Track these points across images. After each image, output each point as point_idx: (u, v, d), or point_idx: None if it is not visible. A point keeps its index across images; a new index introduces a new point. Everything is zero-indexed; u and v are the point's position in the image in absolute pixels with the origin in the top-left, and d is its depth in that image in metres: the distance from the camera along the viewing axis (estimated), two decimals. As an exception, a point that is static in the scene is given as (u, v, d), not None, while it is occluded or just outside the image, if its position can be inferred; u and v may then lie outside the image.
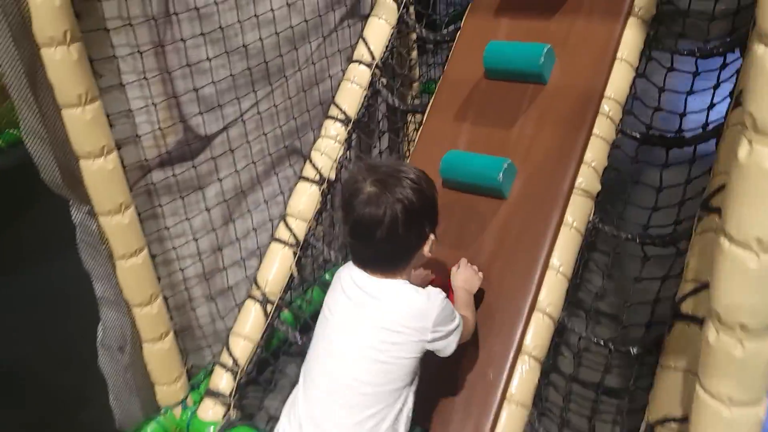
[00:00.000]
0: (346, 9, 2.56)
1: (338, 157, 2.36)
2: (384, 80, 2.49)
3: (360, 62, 2.43)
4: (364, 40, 2.45)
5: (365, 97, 2.42)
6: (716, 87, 1.97)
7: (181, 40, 1.93)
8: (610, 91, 1.96)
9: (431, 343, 1.51)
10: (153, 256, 1.96)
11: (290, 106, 2.40)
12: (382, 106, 2.63)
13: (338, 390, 1.49)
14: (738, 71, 1.89)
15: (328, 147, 2.35)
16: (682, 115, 2.03)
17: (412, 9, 2.59)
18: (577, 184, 1.89)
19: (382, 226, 1.44)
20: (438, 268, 1.80)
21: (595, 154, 1.91)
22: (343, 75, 2.48)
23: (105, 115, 1.71)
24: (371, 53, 2.43)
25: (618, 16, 2.02)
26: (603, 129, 1.93)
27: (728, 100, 1.89)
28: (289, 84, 2.36)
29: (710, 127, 1.92)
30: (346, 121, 2.38)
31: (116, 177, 1.76)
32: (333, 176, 2.35)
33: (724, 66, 2.00)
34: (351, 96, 2.41)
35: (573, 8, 2.08)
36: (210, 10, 2.01)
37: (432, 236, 1.56)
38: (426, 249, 1.55)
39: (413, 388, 1.54)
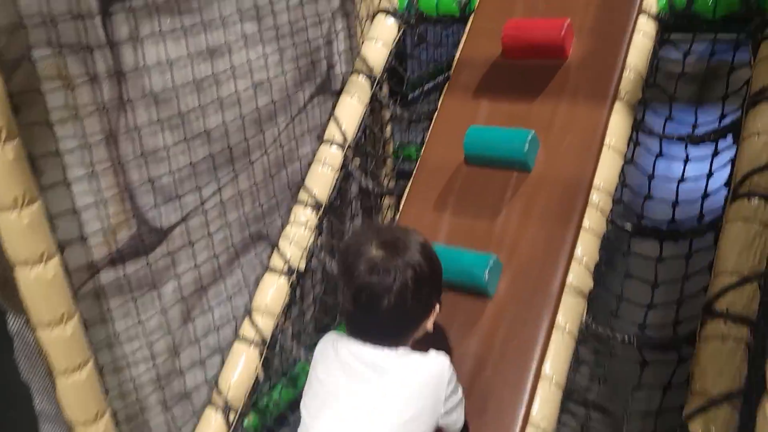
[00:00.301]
0: (315, 86, 2.44)
1: (308, 245, 2.20)
2: (357, 161, 2.35)
3: (331, 143, 2.30)
4: (335, 119, 2.33)
5: (337, 180, 2.28)
6: (709, 175, 1.87)
7: (136, 128, 1.76)
8: (598, 181, 1.84)
9: (445, 416, 1.39)
10: (100, 366, 1.75)
11: (256, 190, 2.23)
12: (355, 188, 2.48)
13: None
14: (732, 160, 1.79)
15: (298, 235, 2.19)
16: (675, 204, 1.91)
17: (385, 87, 2.48)
18: (567, 282, 1.74)
19: (390, 294, 1.32)
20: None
21: (586, 248, 1.78)
22: (314, 156, 2.34)
23: (46, 217, 1.53)
24: (343, 133, 2.30)
25: (604, 101, 1.92)
26: (593, 221, 1.80)
27: (724, 190, 1.78)
28: (255, 167, 2.20)
29: (706, 219, 1.80)
30: (316, 207, 2.22)
31: (57, 285, 1.55)
32: (303, 266, 2.18)
33: (716, 153, 1.91)
34: (322, 179, 2.26)
35: (556, 91, 1.98)
36: (168, 94, 1.86)
37: (437, 307, 1.45)
38: (431, 321, 1.44)
39: None
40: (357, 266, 1.34)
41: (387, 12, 2.45)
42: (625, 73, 1.95)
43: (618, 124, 1.90)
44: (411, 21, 2.45)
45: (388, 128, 2.76)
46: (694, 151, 1.94)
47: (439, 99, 2.21)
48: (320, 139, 2.37)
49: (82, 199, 1.68)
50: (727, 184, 1.79)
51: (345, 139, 2.30)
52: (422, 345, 1.47)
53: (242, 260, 2.21)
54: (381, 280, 1.32)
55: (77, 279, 1.70)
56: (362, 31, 2.59)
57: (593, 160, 1.86)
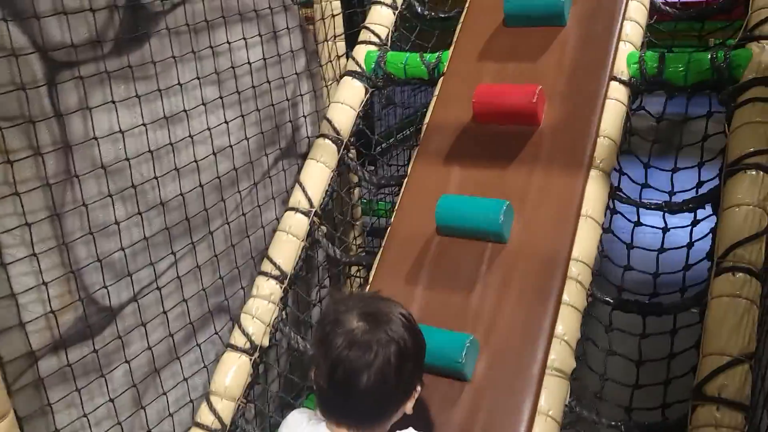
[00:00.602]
0: (280, 150, 2.35)
1: (272, 320, 2.06)
2: (324, 229, 2.25)
3: (296, 210, 2.19)
4: (300, 185, 2.22)
5: (302, 249, 2.16)
6: (690, 246, 1.81)
7: (83, 204, 1.63)
8: (577, 252, 1.76)
9: None
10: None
11: (216, 261, 2.10)
12: (321, 257, 2.37)
13: None
14: (713, 230, 1.73)
15: (261, 308, 2.05)
16: (655, 275, 1.84)
17: (353, 151, 2.40)
18: (549, 362, 1.64)
19: (369, 371, 1.20)
20: None
21: (567, 325, 1.68)
22: (278, 223, 2.22)
23: (-23, 306, 1.38)
24: (309, 199, 2.20)
25: (579, 168, 1.86)
26: (573, 295, 1.72)
27: (706, 262, 1.72)
28: (215, 237, 2.08)
29: (689, 293, 1.73)
30: (281, 278, 2.10)
31: (-12, 381, 1.39)
32: (266, 343, 2.04)
33: (695, 223, 1.85)
34: (286, 248, 2.14)
35: (529, 159, 1.92)
36: (121, 165, 1.74)
37: (419, 388, 1.33)
38: (411, 404, 1.32)
39: None
40: (335, 338, 1.22)
41: (354, 74, 2.38)
42: (600, 140, 1.89)
43: (594, 193, 1.83)
44: (378, 83, 2.39)
45: (356, 192, 2.67)
46: (673, 220, 1.88)
47: (407, 163, 2.14)
48: (284, 205, 2.27)
49: (20, 281, 1.53)
50: (709, 255, 1.72)
51: (311, 205, 2.19)
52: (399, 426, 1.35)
53: (200, 336, 2.06)
54: (361, 355, 1.20)
55: (13, 372, 1.53)
56: (329, 94, 2.52)
57: (571, 231, 1.78)
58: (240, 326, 2.03)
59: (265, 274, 2.10)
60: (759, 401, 1.49)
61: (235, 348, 2.01)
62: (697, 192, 1.86)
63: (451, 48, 2.28)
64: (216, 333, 2.08)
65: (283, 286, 2.10)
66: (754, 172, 1.69)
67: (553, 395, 1.61)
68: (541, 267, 1.75)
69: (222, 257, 2.12)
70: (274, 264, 2.11)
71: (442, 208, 1.84)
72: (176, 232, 1.93)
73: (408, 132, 3.13)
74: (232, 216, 2.13)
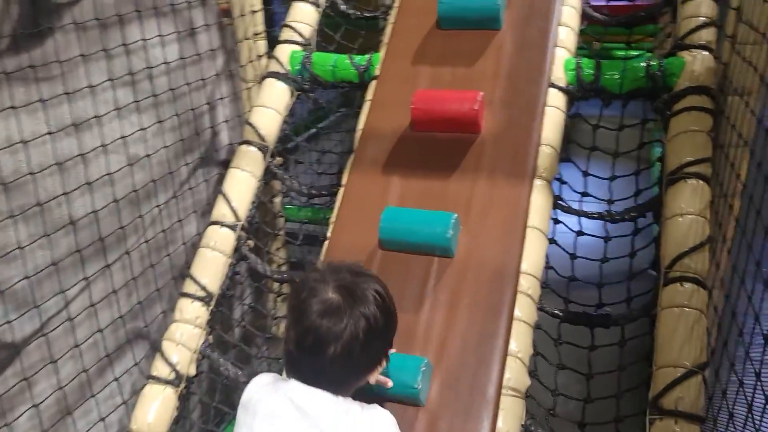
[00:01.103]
0: (198, 158, 2.16)
1: (199, 346, 1.88)
2: (251, 243, 2.08)
3: (221, 224, 2.01)
4: (224, 197, 2.04)
5: (230, 266, 1.99)
6: (632, 255, 1.81)
7: (-21, 228, 1.40)
8: (526, 265, 1.70)
9: None
10: None
11: (133, 282, 1.90)
12: (248, 274, 2.20)
13: None
14: (655, 239, 1.74)
15: (186, 334, 1.87)
16: (600, 285, 1.83)
17: (279, 157, 2.24)
18: (504, 381, 1.57)
19: (338, 342, 1.22)
20: None
21: (520, 341, 1.62)
22: (199, 237, 2.04)
23: None
24: (234, 212, 2.03)
25: (523, 178, 1.81)
26: (524, 310, 1.66)
27: (651, 272, 1.72)
28: (131, 255, 1.87)
29: (635, 303, 1.73)
30: (206, 299, 1.92)
31: None
32: (193, 371, 1.86)
33: (636, 232, 1.86)
34: (212, 266, 1.96)
35: (472, 168, 1.85)
36: (23, 180, 1.51)
37: (384, 363, 1.36)
38: (377, 374, 1.36)
39: None
40: (308, 306, 1.24)
41: (277, 75, 2.23)
42: (542, 148, 1.86)
43: (539, 203, 1.79)
44: (304, 85, 2.25)
45: (278, 200, 2.51)
46: (615, 229, 1.88)
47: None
48: (204, 217, 2.09)
49: None
50: (653, 265, 1.72)
51: (237, 219, 2.02)
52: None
53: (117, 368, 1.86)
54: (331, 326, 1.22)
55: None
56: (249, 96, 2.35)
57: (518, 243, 1.73)
58: (162, 355, 1.84)
59: (188, 295, 1.91)
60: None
61: (157, 380, 1.81)
62: (635, 201, 1.86)
63: (383, 50, 2.18)
64: (136, 364, 1.88)
65: (210, 308, 1.92)
66: (694, 181, 1.70)
67: (510, 416, 1.55)
68: (490, 281, 1.69)
69: (139, 278, 1.91)
70: (199, 284, 1.92)
71: (387, 222, 1.73)
72: (87, 253, 1.72)
73: (320, 128, 2.97)
74: (148, 232, 1.93)
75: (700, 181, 1.70)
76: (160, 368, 1.83)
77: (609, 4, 2.38)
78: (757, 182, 1.42)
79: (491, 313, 1.65)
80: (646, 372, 1.58)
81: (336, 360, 1.23)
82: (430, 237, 1.70)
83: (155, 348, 1.89)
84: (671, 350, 1.52)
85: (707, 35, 1.90)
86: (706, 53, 1.86)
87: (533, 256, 1.73)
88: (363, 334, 1.23)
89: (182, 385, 1.83)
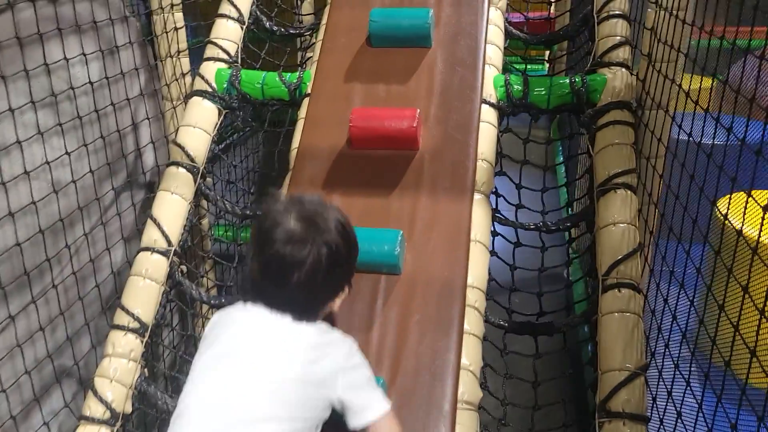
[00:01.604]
0: (124, 181, 2.05)
1: (134, 381, 1.78)
2: (184, 269, 2.00)
3: (152, 250, 1.91)
4: (154, 221, 1.95)
5: (164, 294, 1.90)
6: (569, 264, 1.88)
7: None
8: (471, 278, 1.73)
9: (344, 393, 1.27)
10: None
11: (58, 317, 1.77)
12: (181, 300, 2.11)
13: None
14: (590, 247, 1.82)
15: (120, 369, 1.76)
16: (539, 294, 1.88)
17: (209, 178, 2.17)
18: (459, 395, 1.59)
19: (301, 269, 1.26)
20: None
21: (471, 355, 1.64)
22: (129, 264, 1.93)
23: None
24: (166, 237, 1.94)
25: (464, 193, 1.84)
26: (473, 323, 1.68)
27: (590, 279, 1.79)
28: (55, 288, 1.74)
29: (574, 309, 1.79)
30: (140, 331, 1.82)
31: None
32: (129, 409, 1.75)
33: (571, 241, 1.93)
34: (144, 295, 1.87)
35: (412, 185, 1.87)
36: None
37: (347, 289, 1.42)
38: (338, 302, 1.40)
39: None
40: (271, 236, 1.28)
41: (204, 94, 2.16)
42: (479, 163, 1.90)
43: (480, 217, 1.83)
44: (233, 104, 2.19)
45: (205, 222, 2.43)
46: (550, 240, 1.95)
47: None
48: (131, 243, 1.98)
49: None
50: (590, 272, 1.80)
51: (169, 244, 1.93)
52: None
53: (44, 410, 1.72)
54: (294, 253, 1.26)
55: None
56: (174, 116, 2.26)
57: (463, 257, 1.75)
58: (95, 393, 1.72)
59: (120, 327, 1.81)
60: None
61: (91, 420, 1.70)
62: (567, 211, 1.93)
63: (313, 67, 2.16)
64: (66, 405, 1.74)
65: (144, 340, 1.82)
66: (623, 192, 1.79)
67: (465, 429, 1.56)
68: (439, 297, 1.70)
69: (63, 310, 1.79)
70: (131, 315, 1.82)
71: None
72: (7, 289, 1.58)
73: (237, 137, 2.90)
74: (72, 262, 1.81)
75: (628, 191, 1.79)
76: (93, 407, 1.71)
77: (530, 22, 2.47)
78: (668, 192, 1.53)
79: (442, 328, 1.66)
80: (590, 377, 1.65)
81: (300, 287, 1.26)
82: (378, 255, 1.69)
83: (85, 386, 1.77)
84: (615, 354, 1.59)
85: (623, 53, 2.01)
86: (624, 70, 1.98)
87: (478, 269, 1.76)
88: (326, 261, 1.27)
89: (118, 424, 1.72)
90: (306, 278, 1.26)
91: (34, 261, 1.67)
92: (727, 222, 1.31)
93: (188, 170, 2.04)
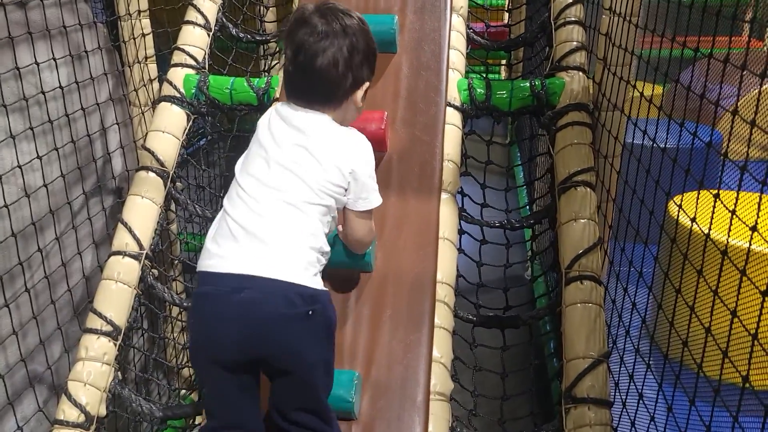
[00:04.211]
0: (94, 184, 2.05)
1: (108, 383, 1.78)
2: (155, 272, 2.01)
3: (123, 254, 1.92)
4: (125, 225, 1.96)
5: (136, 297, 1.91)
6: (533, 259, 1.95)
7: None
8: (441, 275, 1.79)
9: (357, 173, 1.51)
10: None
11: (29, 322, 1.76)
12: (153, 304, 2.11)
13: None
14: (553, 243, 1.89)
15: (94, 372, 1.76)
16: (505, 289, 1.95)
17: (179, 183, 2.18)
18: (432, 387, 1.64)
19: (324, 55, 1.44)
20: None
21: (442, 348, 1.70)
22: (100, 269, 1.94)
23: None
24: (137, 241, 1.95)
25: (431, 192, 1.90)
26: (443, 318, 1.74)
27: (553, 273, 1.87)
28: (22, 294, 1.74)
29: (538, 303, 1.87)
30: (113, 334, 1.82)
31: None
32: (103, 412, 1.76)
33: (534, 237, 2.01)
34: (117, 298, 1.86)
35: (382, 186, 1.83)
36: None
37: (367, 84, 1.55)
38: (359, 96, 1.54)
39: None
40: (298, 29, 1.46)
41: (172, 99, 2.18)
42: (445, 164, 1.96)
43: (447, 215, 1.89)
44: (201, 109, 2.21)
45: (174, 226, 2.44)
46: (515, 236, 2.02)
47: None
48: (101, 247, 1.99)
49: None
50: (552, 266, 1.87)
51: (140, 247, 1.94)
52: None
53: (18, 415, 1.71)
54: (318, 40, 1.44)
55: None
56: (141, 121, 2.27)
57: (432, 254, 1.81)
58: (69, 397, 1.72)
59: (93, 331, 1.81)
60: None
61: (65, 424, 1.69)
62: (531, 209, 2.01)
63: (281, 73, 2.19)
64: (40, 409, 1.74)
65: (117, 343, 1.82)
66: (582, 189, 1.87)
67: (439, 420, 1.62)
68: (410, 293, 1.75)
69: (34, 317, 1.78)
70: (104, 318, 1.82)
71: (305, 241, 1.75)
72: (-20, 294, 1.58)
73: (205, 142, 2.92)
74: (41, 267, 1.81)
75: (587, 189, 1.88)
76: (67, 411, 1.71)
77: (489, 30, 2.56)
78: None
79: (413, 322, 1.72)
80: (554, 367, 1.72)
81: (324, 71, 1.44)
82: (350, 254, 1.74)
83: (57, 391, 1.77)
84: (579, 343, 1.66)
85: (580, 58, 2.10)
86: (581, 74, 2.07)
87: (446, 265, 1.82)
88: (347, 49, 1.45)
89: (92, 427, 1.72)
90: (328, 64, 1.44)
91: (5, 265, 1.66)
92: (678, 219, 1.40)
93: (158, 175, 2.05)
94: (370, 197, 1.56)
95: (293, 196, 1.43)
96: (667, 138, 1.56)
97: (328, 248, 1.50)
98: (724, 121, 1.33)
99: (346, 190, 1.52)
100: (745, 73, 1.18)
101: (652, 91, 1.99)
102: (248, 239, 1.39)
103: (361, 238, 1.62)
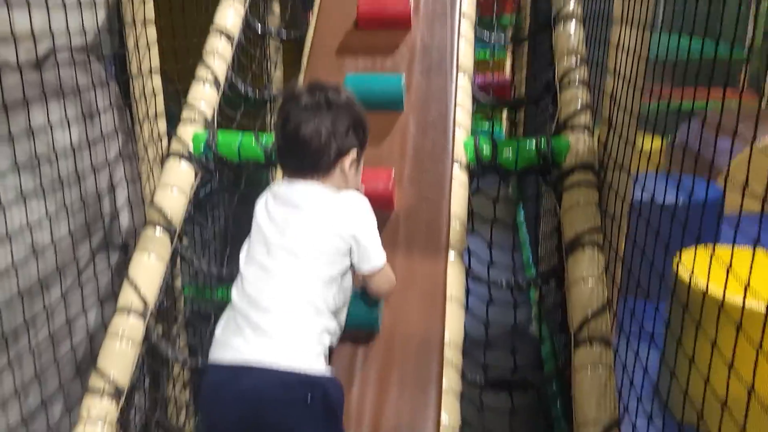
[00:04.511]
0: (101, 240, 2.05)
1: (109, 447, 1.74)
2: (160, 330, 1.99)
3: (128, 311, 1.91)
4: (131, 283, 1.95)
5: (139, 356, 1.88)
6: (540, 320, 1.93)
7: None
8: (449, 336, 1.77)
9: (360, 250, 1.55)
10: None
11: (28, 382, 1.74)
12: (157, 363, 2.09)
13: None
14: (561, 304, 1.88)
15: (95, 435, 1.73)
16: (513, 350, 1.93)
17: (185, 240, 2.18)
18: (439, 453, 1.61)
19: (309, 124, 1.52)
20: None
21: (451, 413, 1.67)
22: (104, 327, 1.92)
23: None
24: (142, 299, 1.93)
25: (439, 252, 1.90)
26: (451, 381, 1.72)
27: (562, 334, 1.85)
28: (24, 353, 1.72)
29: (546, 364, 1.84)
30: (116, 395, 1.79)
31: None
32: (105, 477, 1.72)
33: (542, 298, 1.99)
34: (121, 358, 1.84)
35: (389, 245, 1.88)
36: None
37: (354, 153, 1.60)
38: (347, 164, 1.58)
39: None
40: (287, 103, 1.57)
41: (181, 156, 2.20)
42: (452, 222, 1.97)
43: (454, 275, 1.88)
44: (210, 166, 2.23)
45: (178, 282, 2.43)
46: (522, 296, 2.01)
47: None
48: (106, 305, 1.97)
49: None
50: (561, 327, 1.86)
51: (146, 306, 1.93)
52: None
53: (13, 481, 1.67)
54: (302, 111, 1.53)
55: None
56: (150, 177, 2.28)
57: (440, 315, 1.80)
58: (69, 460, 1.69)
59: (95, 391, 1.78)
60: None
61: (64, 488, 1.66)
62: (537, 269, 2.00)
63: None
64: (38, 474, 1.70)
65: (120, 405, 1.79)
66: (590, 249, 1.87)
67: (447, 487, 1.58)
68: (417, 354, 1.73)
69: (36, 377, 1.76)
70: (107, 378, 1.80)
71: (312, 301, 1.74)
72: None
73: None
74: (45, 325, 1.79)
75: (595, 249, 1.88)
76: (66, 475, 1.68)
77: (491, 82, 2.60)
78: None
79: (420, 386, 1.69)
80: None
81: (310, 140, 1.51)
82: (357, 314, 1.72)
83: (58, 453, 1.73)
84: (589, 409, 1.63)
85: (585, 118, 2.13)
86: (587, 134, 2.09)
87: (454, 326, 1.81)
88: (330, 122, 1.53)
89: (93, 494, 1.68)
90: (314, 132, 1.51)
91: (10, 324, 1.65)
92: (683, 276, 1.40)
93: (165, 231, 2.06)
94: (375, 257, 1.60)
95: (296, 278, 1.49)
96: (666, 192, 1.56)
97: (336, 321, 1.55)
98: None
99: (350, 252, 1.56)
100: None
101: (651, 144, 2.00)
102: (253, 333, 1.46)
103: (379, 289, 1.66)
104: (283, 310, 1.47)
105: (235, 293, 1.54)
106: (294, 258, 1.50)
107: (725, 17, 1.31)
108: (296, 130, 1.52)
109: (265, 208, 1.59)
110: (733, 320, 1.14)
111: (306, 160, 1.55)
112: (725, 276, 1.21)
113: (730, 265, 1.17)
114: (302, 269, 1.49)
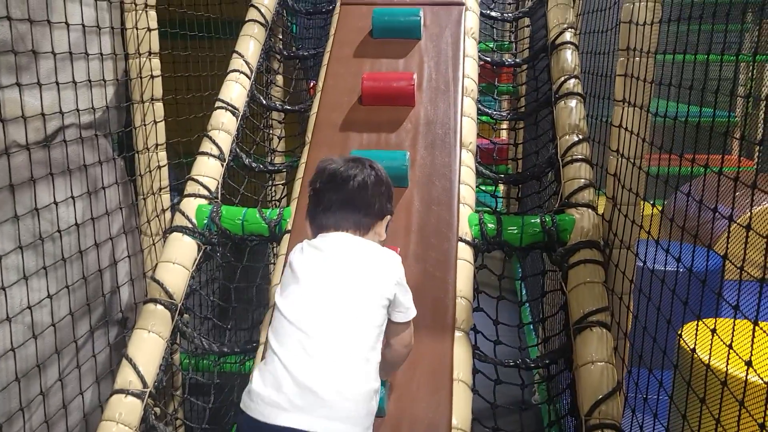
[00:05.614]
0: (100, 316, 2.02)
1: None
2: (158, 411, 1.93)
3: (126, 392, 1.85)
4: (130, 361, 1.90)
5: (137, 440, 1.82)
6: (551, 401, 1.89)
7: None
8: (456, 420, 1.72)
9: (396, 304, 1.54)
10: None
11: (24, 469, 1.67)
12: None
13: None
14: (570, 386, 1.84)
15: None
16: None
17: (186, 314, 2.15)
18: None
19: (354, 180, 1.55)
20: None
21: (459, 502, 1.61)
22: (101, 407, 1.86)
23: None
24: (141, 378, 1.88)
25: (445, 332, 1.87)
26: (459, 468, 1.67)
27: (571, 418, 1.80)
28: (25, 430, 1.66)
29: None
30: (111, 481, 1.73)
31: None
32: None
33: (550, 378, 1.95)
34: (118, 442, 1.78)
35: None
36: None
37: (389, 218, 1.64)
38: (384, 225, 1.61)
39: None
40: (325, 169, 1.59)
41: (184, 230, 2.18)
42: (458, 300, 1.94)
43: (461, 355, 1.85)
44: (213, 239, 2.22)
45: (176, 357, 2.37)
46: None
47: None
48: (103, 383, 1.92)
49: None
50: (571, 411, 1.81)
51: (144, 386, 1.88)
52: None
53: None
54: (348, 169, 1.57)
55: None
56: (151, 252, 2.27)
57: (447, 398, 1.76)
58: None
59: (90, 478, 1.72)
60: None
61: None
62: (544, 347, 1.97)
63: (293, 205, 2.23)
64: None
65: (116, 491, 1.73)
66: (598, 330, 1.84)
67: None
68: (423, 443, 1.68)
69: (30, 462, 1.70)
70: (103, 464, 1.73)
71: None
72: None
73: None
74: (41, 407, 1.74)
75: (603, 329, 1.85)
76: None
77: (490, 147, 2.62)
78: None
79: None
80: None
81: (356, 193, 1.54)
82: (363, 398, 1.68)
83: None
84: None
85: (588, 195, 2.14)
86: (591, 211, 2.09)
87: (461, 409, 1.76)
88: (372, 180, 1.57)
89: None
90: (359, 186, 1.55)
91: (6, 408, 1.60)
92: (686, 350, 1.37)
93: (166, 307, 2.02)
94: (411, 306, 1.59)
95: (346, 330, 1.44)
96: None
97: (378, 356, 1.50)
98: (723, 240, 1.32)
99: (390, 303, 1.54)
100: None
101: (652, 211, 2.01)
102: (300, 392, 1.36)
103: (408, 345, 1.63)
104: (334, 364, 1.40)
105: (273, 339, 1.45)
106: (346, 308, 1.46)
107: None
108: (344, 184, 1.55)
109: (303, 259, 1.54)
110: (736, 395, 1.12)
111: (351, 213, 1.55)
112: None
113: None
114: (353, 319, 1.46)
